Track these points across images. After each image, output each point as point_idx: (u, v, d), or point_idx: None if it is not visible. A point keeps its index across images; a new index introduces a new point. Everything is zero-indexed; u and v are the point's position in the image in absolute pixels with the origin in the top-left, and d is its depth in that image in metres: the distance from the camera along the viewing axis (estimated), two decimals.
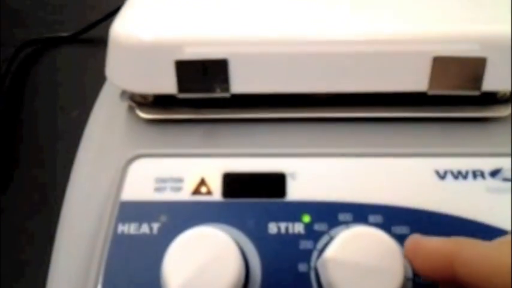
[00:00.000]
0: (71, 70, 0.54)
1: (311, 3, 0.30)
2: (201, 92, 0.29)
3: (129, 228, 0.25)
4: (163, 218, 0.26)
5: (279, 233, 0.25)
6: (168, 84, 0.29)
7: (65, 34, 0.57)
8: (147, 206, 0.26)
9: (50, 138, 0.47)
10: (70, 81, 0.53)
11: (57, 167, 0.43)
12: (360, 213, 0.25)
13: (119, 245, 0.25)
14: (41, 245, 0.31)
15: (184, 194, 0.26)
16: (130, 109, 0.32)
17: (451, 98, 0.30)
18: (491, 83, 0.29)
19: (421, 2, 0.30)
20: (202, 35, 0.28)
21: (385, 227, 0.25)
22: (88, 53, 0.56)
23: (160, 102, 0.31)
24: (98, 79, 0.34)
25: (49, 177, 0.43)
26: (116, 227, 0.25)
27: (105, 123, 0.32)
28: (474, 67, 0.28)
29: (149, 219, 0.25)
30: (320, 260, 0.24)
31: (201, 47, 0.28)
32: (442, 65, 0.28)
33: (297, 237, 0.25)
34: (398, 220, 0.25)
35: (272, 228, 0.25)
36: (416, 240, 0.23)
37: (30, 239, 0.40)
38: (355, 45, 0.28)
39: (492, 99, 0.30)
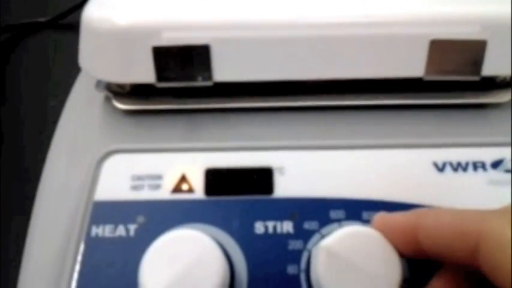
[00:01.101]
0: (50, 57, 0.52)
1: None
2: (182, 80, 0.27)
3: (104, 231, 0.24)
4: (141, 219, 0.24)
5: (266, 233, 0.23)
6: (145, 73, 0.27)
7: (43, 19, 0.55)
8: (123, 206, 0.24)
9: (28, 130, 0.45)
10: (49, 69, 0.51)
11: (34, 160, 0.41)
12: (353, 209, 0.23)
13: (93, 249, 0.23)
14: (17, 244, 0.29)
15: (164, 193, 0.24)
16: (107, 99, 0.30)
17: (448, 84, 0.28)
18: (491, 67, 0.27)
19: None
20: (181, 19, 0.27)
21: None
22: (68, 39, 0.54)
23: (138, 91, 0.29)
24: (79, 67, 0.32)
25: (24, 172, 0.41)
26: (89, 229, 0.24)
27: (80, 115, 0.30)
28: (474, 50, 0.27)
29: (125, 221, 0.24)
30: (317, 246, 0.22)
31: (181, 31, 0.26)
32: (439, 48, 0.27)
33: (286, 237, 0.23)
34: None
35: (259, 227, 0.24)
36: (382, 218, 0.22)
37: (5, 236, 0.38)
38: (346, 28, 0.27)
39: (491, 84, 0.29)
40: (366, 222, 0.23)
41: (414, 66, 0.27)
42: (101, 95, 0.30)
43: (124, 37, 0.27)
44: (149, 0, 0.27)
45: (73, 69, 0.34)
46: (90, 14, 0.27)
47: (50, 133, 0.31)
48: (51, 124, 0.32)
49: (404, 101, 0.28)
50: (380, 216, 0.22)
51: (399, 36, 0.26)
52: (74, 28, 0.54)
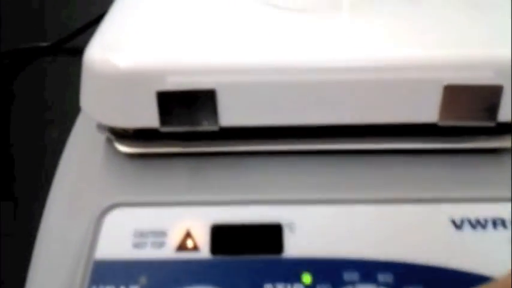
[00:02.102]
0: (52, 84, 0.51)
1: (306, 27, 0.27)
2: (187, 125, 0.27)
3: None
4: (144, 280, 0.23)
5: None
6: (149, 117, 0.26)
7: (45, 44, 0.54)
8: (124, 265, 0.23)
9: (29, 163, 0.44)
10: (51, 96, 0.50)
11: (33, 198, 0.40)
12: (368, 271, 0.22)
13: None
14: None
15: (168, 251, 0.23)
16: (109, 141, 0.29)
17: (462, 129, 0.27)
18: (508, 112, 0.26)
19: (429, 24, 0.27)
20: (186, 63, 0.26)
21: (396, 287, 0.22)
22: (72, 64, 0.53)
23: (142, 134, 0.28)
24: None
25: (23, 210, 0.40)
26: None
27: (80, 159, 0.29)
28: (489, 96, 0.26)
29: (127, 281, 0.23)
30: None
31: (186, 76, 0.25)
32: (454, 93, 0.26)
33: None
34: (410, 279, 0.22)
35: None
36: None
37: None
38: (356, 73, 0.26)
39: (507, 128, 0.28)
40: (381, 285, 0.22)
41: (428, 112, 0.26)
42: (102, 137, 0.29)
43: (127, 81, 0.26)
44: (153, 43, 0.27)
45: (75, 97, 0.33)
46: (92, 56, 0.27)
47: (50, 166, 0.30)
48: (51, 156, 0.31)
49: (419, 145, 0.27)
50: None
51: (412, 81, 0.26)
52: (76, 53, 0.53)
